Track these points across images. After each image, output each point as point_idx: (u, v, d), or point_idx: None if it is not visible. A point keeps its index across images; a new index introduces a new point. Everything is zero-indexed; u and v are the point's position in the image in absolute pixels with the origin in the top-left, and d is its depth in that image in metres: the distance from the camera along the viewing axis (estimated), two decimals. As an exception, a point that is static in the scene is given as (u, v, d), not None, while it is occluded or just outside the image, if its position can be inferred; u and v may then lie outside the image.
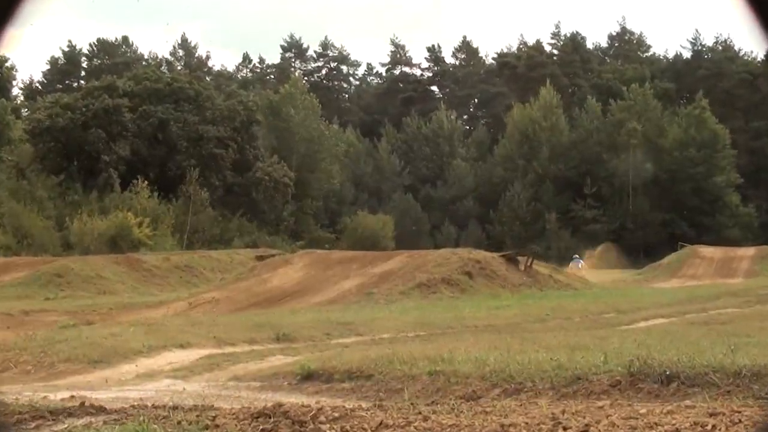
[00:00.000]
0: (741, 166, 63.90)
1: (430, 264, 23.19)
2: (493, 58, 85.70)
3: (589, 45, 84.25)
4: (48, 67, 77.45)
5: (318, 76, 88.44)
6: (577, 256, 36.34)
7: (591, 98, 67.51)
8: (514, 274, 24.08)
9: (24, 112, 58.71)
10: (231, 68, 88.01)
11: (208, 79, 66.47)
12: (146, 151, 51.18)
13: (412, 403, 4.71)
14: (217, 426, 3.95)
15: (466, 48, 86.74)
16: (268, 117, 61.79)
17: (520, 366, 6.20)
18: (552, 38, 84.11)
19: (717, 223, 61.27)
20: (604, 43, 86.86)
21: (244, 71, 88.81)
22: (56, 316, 18.16)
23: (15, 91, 66.67)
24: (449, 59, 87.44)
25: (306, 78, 79.51)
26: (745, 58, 72.15)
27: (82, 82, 71.17)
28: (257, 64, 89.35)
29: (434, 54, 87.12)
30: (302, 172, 61.71)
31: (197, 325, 12.32)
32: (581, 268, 34.97)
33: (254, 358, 9.53)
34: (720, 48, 74.44)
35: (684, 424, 3.73)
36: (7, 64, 56.79)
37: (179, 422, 4.01)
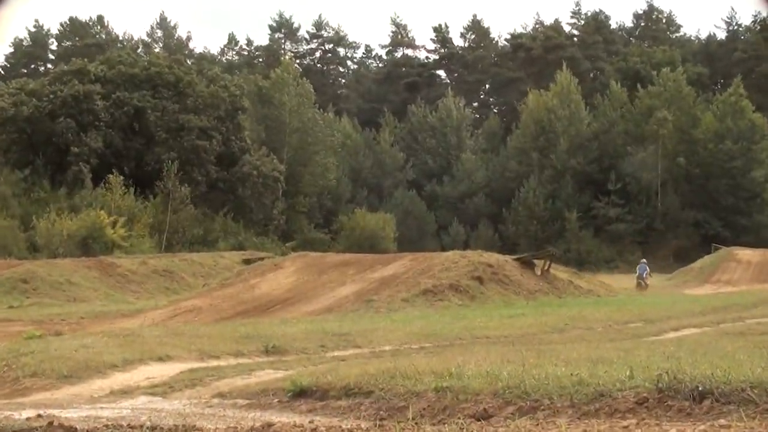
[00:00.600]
0: (782, 159, 63.93)
1: (436, 268, 23.19)
2: (506, 40, 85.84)
3: (613, 25, 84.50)
4: (12, 49, 77.58)
5: (311, 60, 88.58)
6: (644, 261, 35.53)
7: (615, 84, 67.39)
8: (529, 280, 24.07)
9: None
10: (215, 50, 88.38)
11: (189, 62, 66.47)
12: (121, 142, 51.20)
13: (416, 423, 4.71)
14: (199, 448, 3.95)
15: (476, 28, 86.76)
16: (256, 105, 61.80)
17: (537, 381, 6.20)
18: (571, 17, 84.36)
19: (755, 222, 61.24)
20: (629, 23, 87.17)
21: (230, 54, 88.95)
22: (21, 326, 18.18)
23: (-25, 76, 66.89)
24: (457, 41, 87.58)
25: (298, 61, 79.66)
26: (787, 39, 72.15)
27: (50, 66, 71.31)
28: (244, 46, 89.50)
29: (441, 35, 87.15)
30: (294, 165, 61.74)
31: (178, 336, 12.33)
32: (647, 276, 34.24)
33: (241, 373, 9.54)
34: (758, 28, 74.27)
35: (718, 445, 3.73)
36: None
37: (158, 443, 4.02)
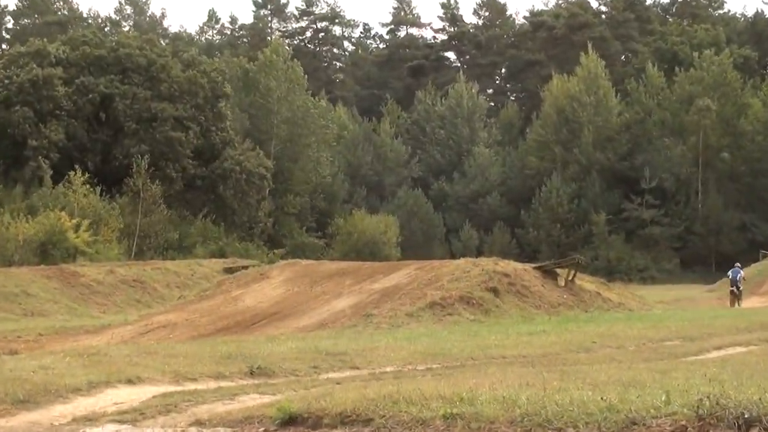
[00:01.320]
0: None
1: (444, 278, 23.18)
2: (525, 18, 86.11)
3: (647, 0, 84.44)
4: (-39, 28, 77.75)
5: (302, 40, 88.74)
6: (738, 265, 34.49)
7: (652, 66, 67.27)
8: (551, 292, 24.06)
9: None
10: (193, 30, 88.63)
11: (163, 43, 66.62)
12: (85, 134, 51.27)
13: (422, 455, 4.71)
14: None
15: (490, 4, 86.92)
16: (239, 91, 61.95)
17: (560, 407, 6.20)
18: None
19: (810, 226, 61.35)
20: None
21: (210, 33, 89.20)
22: (-29, 344, 18.18)
23: None
24: (469, 18, 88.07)
25: (287, 42, 79.82)
26: None
27: (5, 46, 71.38)
28: (226, 24, 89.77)
29: (450, 12, 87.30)
30: (283, 160, 61.85)
31: (150, 356, 12.33)
32: (740, 280, 32.98)
33: (222, 398, 9.53)
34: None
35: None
36: None
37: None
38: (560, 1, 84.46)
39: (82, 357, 11.89)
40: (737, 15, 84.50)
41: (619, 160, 65.58)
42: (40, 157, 47.79)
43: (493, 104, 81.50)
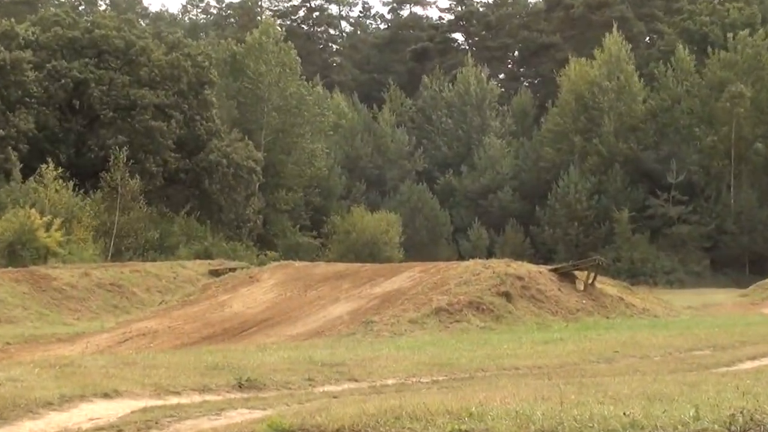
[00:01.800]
0: None
1: (452, 281, 23.19)
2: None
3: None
4: None
5: (295, 20, 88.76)
6: None
7: (683, 49, 67.01)
8: (569, 296, 24.08)
9: None
10: (175, 9, 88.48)
11: (143, 24, 66.60)
12: (57, 124, 51.27)
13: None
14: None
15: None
16: (226, 76, 61.88)
17: (578, 423, 6.20)
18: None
19: None
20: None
21: (194, 13, 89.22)
22: (-68, 354, 18.20)
23: None
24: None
25: (279, 22, 79.77)
26: None
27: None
28: (212, 3, 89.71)
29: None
30: (274, 152, 61.84)
31: (128, 367, 12.34)
32: None
33: (207, 413, 9.54)
34: None
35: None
36: None
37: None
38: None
39: (53, 368, 11.90)
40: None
41: (644, 150, 65.46)
42: (8, 148, 47.76)
43: (504, 90, 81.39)
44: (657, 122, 66.21)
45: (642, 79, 67.90)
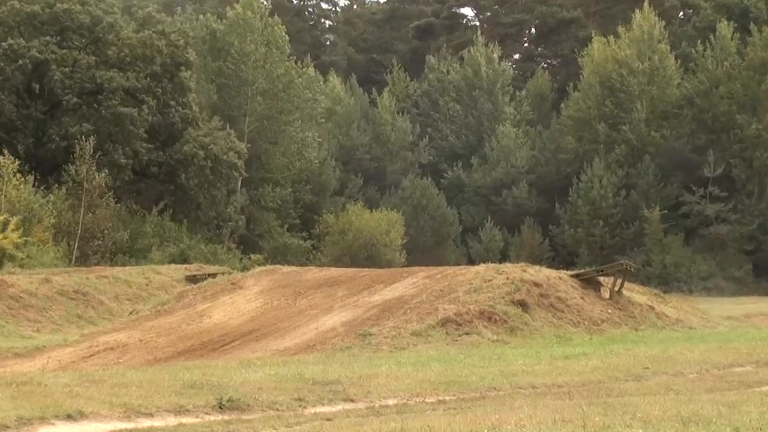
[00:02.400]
0: None
1: (460, 289, 23.20)
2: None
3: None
4: None
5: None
6: None
7: (726, 25, 66.88)
8: (593, 305, 24.09)
9: None
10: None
11: (111, -3, 66.45)
12: (14, 110, 51.18)
13: None
14: None
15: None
16: (205, 57, 61.81)
17: (603, 449, 6.20)
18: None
19: None
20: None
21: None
22: None
23: None
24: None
25: (265, -5, 79.55)
26: None
27: None
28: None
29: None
30: (259, 142, 61.81)
31: (95, 385, 12.35)
32: None
33: (184, 437, 9.55)
34: None
35: None
36: None
37: None
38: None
39: (10, 386, 11.90)
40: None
41: (678, 140, 65.34)
42: (-42, 139, 47.78)
43: (519, 73, 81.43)
44: (693, 109, 66.14)
45: (678, 61, 67.79)
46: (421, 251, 59.72)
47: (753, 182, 63.97)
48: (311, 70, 68.64)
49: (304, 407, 11.78)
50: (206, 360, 18.64)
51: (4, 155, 45.70)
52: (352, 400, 12.29)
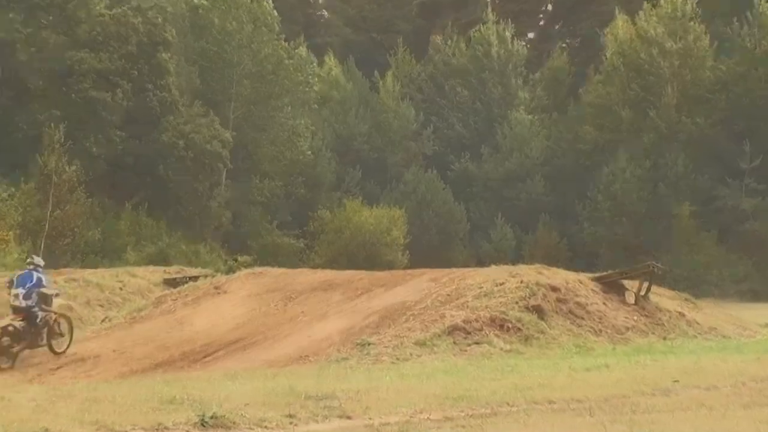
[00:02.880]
0: None
1: (469, 293, 23.21)
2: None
3: None
4: None
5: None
6: None
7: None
8: (616, 311, 24.09)
9: None
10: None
11: (82, -31, 66.43)
12: (-25, 95, 51.26)
13: None
14: None
15: None
16: (186, 36, 61.77)
17: (629, 472, 6.19)
18: None
19: None
20: None
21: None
22: None
23: None
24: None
25: (253, -32, 79.53)
26: None
27: None
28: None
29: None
30: (246, 131, 61.81)
31: (64, 400, 12.35)
32: None
33: (162, 458, 9.55)
34: None
35: None
36: None
37: None
38: None
39: (-30, 402, 11.91)
40: None
41: (712, 127, 65.23)
42: None
43: (535, 53, 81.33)
44: (728, 93, 66.07)
45: (712, 41, 67.64)
46: (426, 251, 59.73)
47: (794, 174, 64.04)
48: (303, 51, 68.45)
49: (296, 425, 11.78)
50: (187, 372, 18.65)
51: (-37, 146, 45.83)
52: (349, 417, 12.29)
